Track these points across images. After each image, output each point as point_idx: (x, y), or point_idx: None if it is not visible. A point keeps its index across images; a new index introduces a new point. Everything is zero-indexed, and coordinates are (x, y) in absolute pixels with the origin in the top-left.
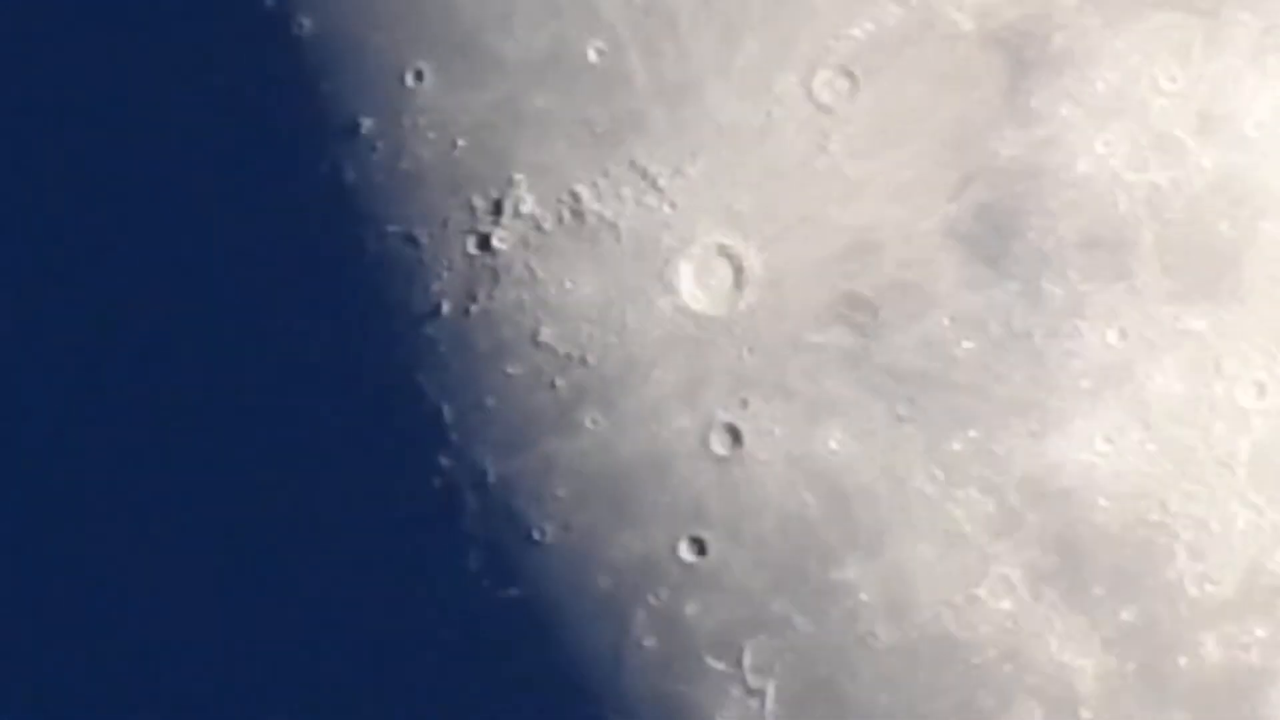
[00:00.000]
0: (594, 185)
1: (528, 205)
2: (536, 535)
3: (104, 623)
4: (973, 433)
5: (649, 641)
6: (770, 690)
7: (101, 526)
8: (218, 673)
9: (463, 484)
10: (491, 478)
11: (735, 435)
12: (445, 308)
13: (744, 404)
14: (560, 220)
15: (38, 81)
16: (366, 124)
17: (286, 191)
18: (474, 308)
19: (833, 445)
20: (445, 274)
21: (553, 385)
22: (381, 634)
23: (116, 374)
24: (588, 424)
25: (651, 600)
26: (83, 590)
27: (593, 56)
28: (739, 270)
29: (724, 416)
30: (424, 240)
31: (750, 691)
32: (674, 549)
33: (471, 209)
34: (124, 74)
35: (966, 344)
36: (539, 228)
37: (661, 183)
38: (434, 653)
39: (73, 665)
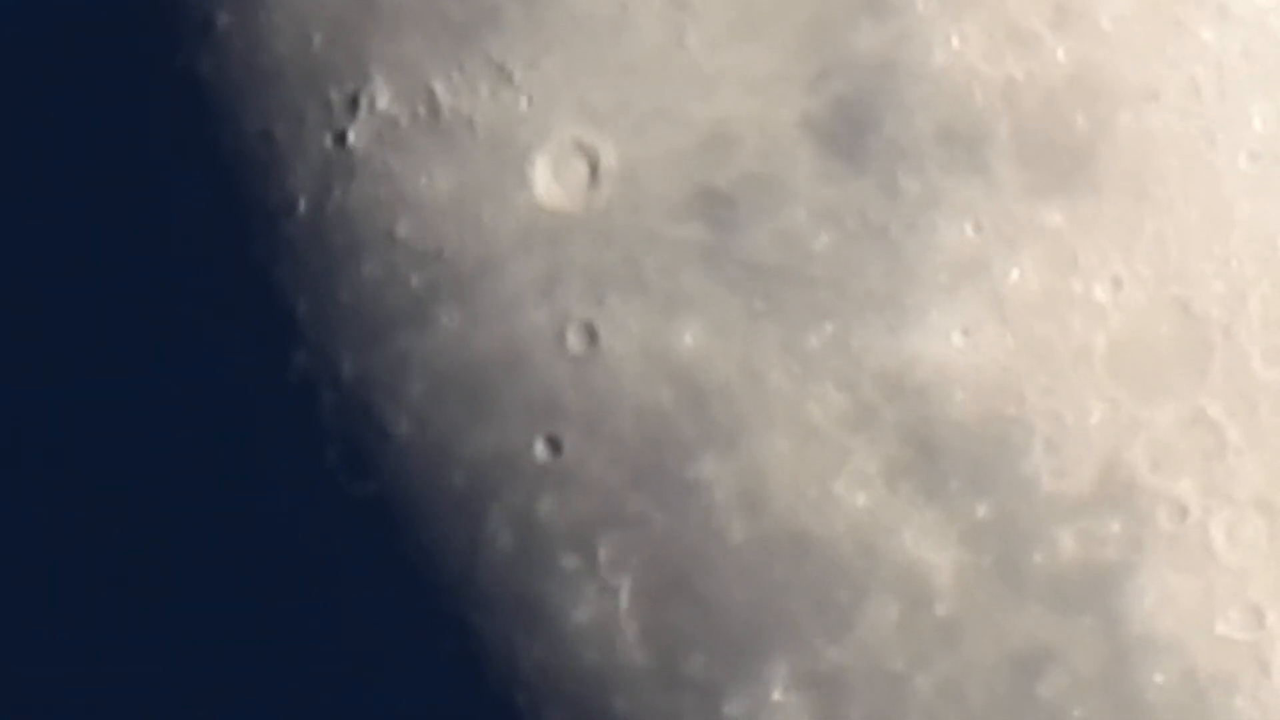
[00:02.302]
0: (449, 80)
1: (384, 101)
2: (392, 431)
3: None
4: (829, 327)
5: (504, 538)
6: (626, 586)
7: None
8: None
9: (318, 381)
10: (347, 374)
11: (591, 332)
12: (301, 205)
13: (600, 300)
14: (416, 116)
15: None
16: (222, 20)
17: (139, 89)
18: (329, 204)
19: (689, 340)
20: (301, 171)
21: (408, 281)
22: (235, 528)
23: None
24: (443, 320)
25: (507, 497)
26: None
27: None
28: (595, 165)
29: (580, 312)
30: (280, 137)
31: (605, 588)
32: (529, 446)
33: (328, 105)
34: None
35: (823, 238)
36: (395, 123)
37: (517, 77)
38: (288, 548)
39: None
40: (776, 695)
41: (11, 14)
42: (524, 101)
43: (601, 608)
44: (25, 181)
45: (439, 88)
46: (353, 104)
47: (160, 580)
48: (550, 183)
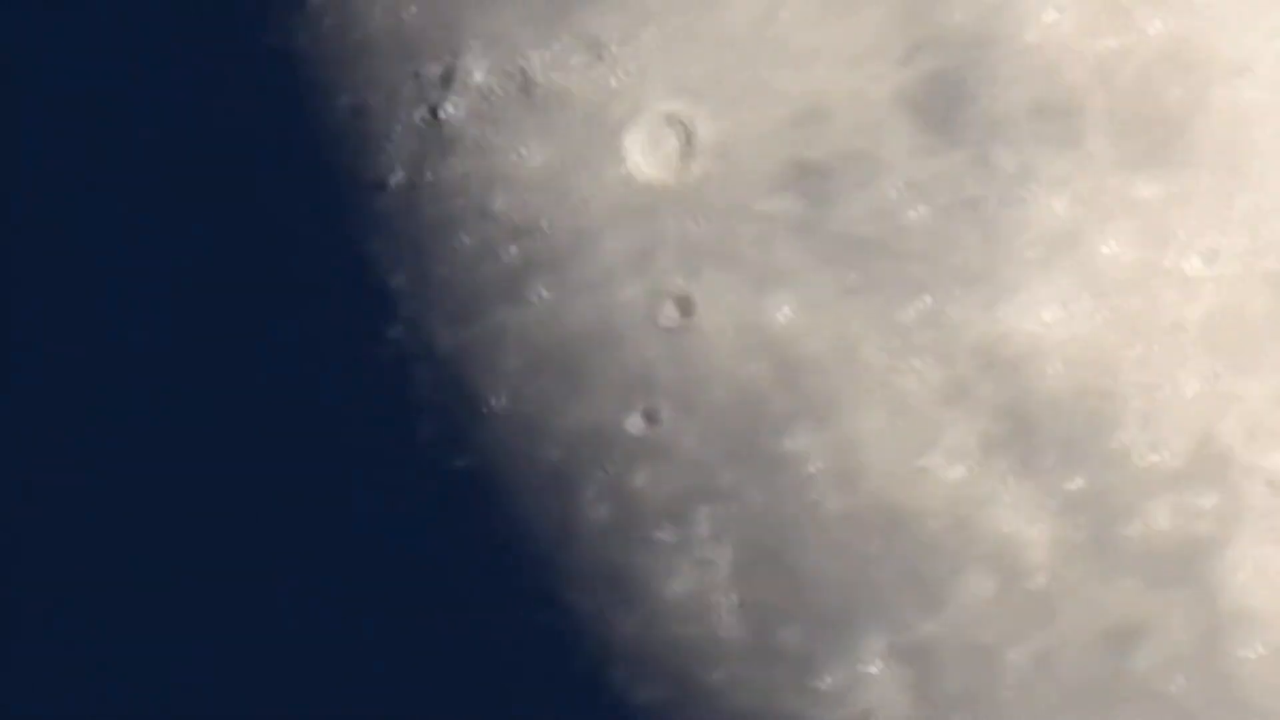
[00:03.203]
0: (543, 54)
1: (477, 75)
2: (487, 406)
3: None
4: (923, 302)
5: (599, 512)
6: (721, 560)
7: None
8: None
9: (413, 355)
10: (442, 349)
11: (685, 305)
12: (395, 179)
13: (694, 274)
14: (510, 90)
15: None
16: None
17: (235, 65)
18: (424, 179)
19: (783, 315)
20: (395, 145)
21: (502, 256)
22: (332, 503)
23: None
24: (538, 295)
25: (601, 471)
26: None
27: None
28: (688, 139)
29: (674, 286)
30: (374, 110)
31: (701, 562)
32: (625, 419)
33: (421, 79)
34: None
35: (917, 212)
36: (488, 98)
37: (611, 51)
38: (385, 523)
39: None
40: (871, 668)
41: None
42: (618, 75)
43: (697, 581)
44: (125, 161)
45: (533, 61)
46: (447, 78)
47: (258, 556)
48: (644, 157)
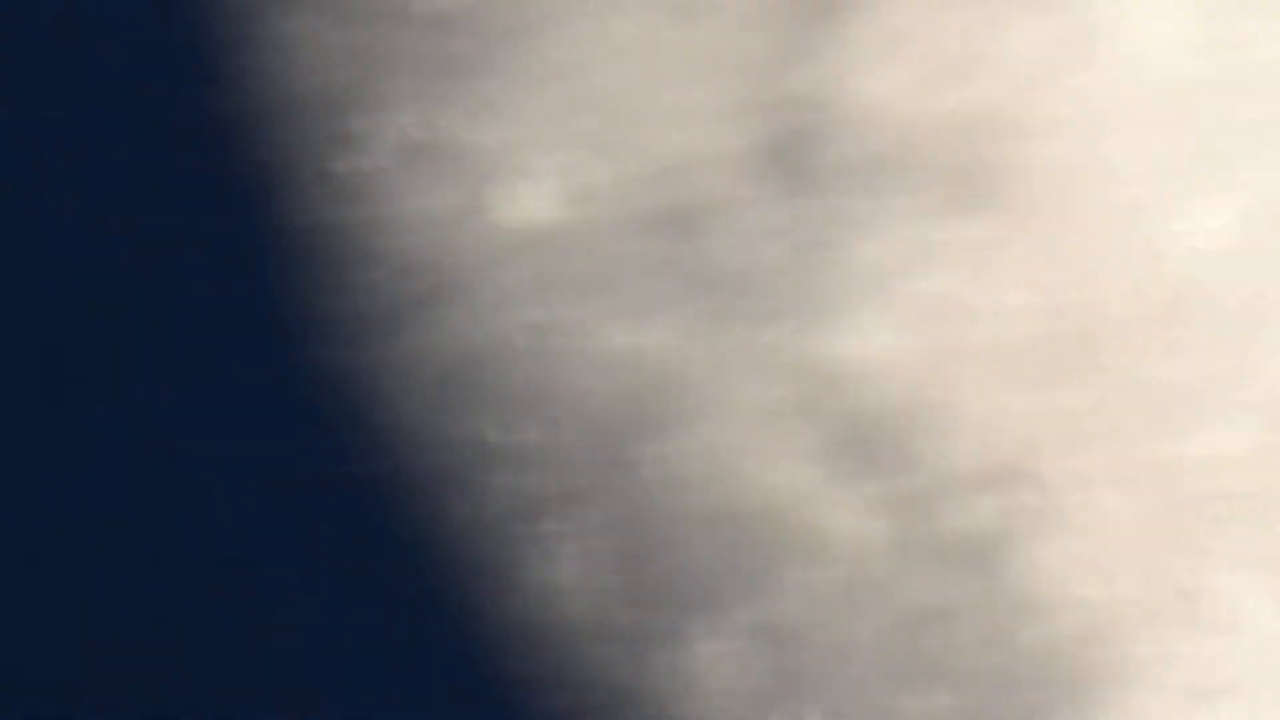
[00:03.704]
0: (443, 114)
1: (386, 133)
2: (390, 420)
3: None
4: (770, 330)
5: (485, 511)
6: (588, 556)
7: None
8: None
9: (315, 377)
10: (349, 369)
11: (570, 330)
12: (314, 222)
13: (578, 303)
14: (413, 145)
15: None
16: (249, 62)
17: (178, 123)
18: (338, 221)
19: (654, 338)
20: (314, 193)
21: (405, 287)
22: (244, 501)
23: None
24: (435, 323)
25: (494, 474)
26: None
27: (445, 4)
28: (569, 186)
29: (561, 314)
30: (295, 164)
31: (571, 557)
32: (513, 429)
33: (337, 137)
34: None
35: (770, 251)
36: (394, 152)
37: (505, 112)
38: (293, 521)
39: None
40: (718, 647)
41: (44, 56)
42: (506, 131)
43: (567, 572)
44: (59, 200)
45: (434, 120)
46: (351, 136)
47: (202, 566)
48: (529, 202)
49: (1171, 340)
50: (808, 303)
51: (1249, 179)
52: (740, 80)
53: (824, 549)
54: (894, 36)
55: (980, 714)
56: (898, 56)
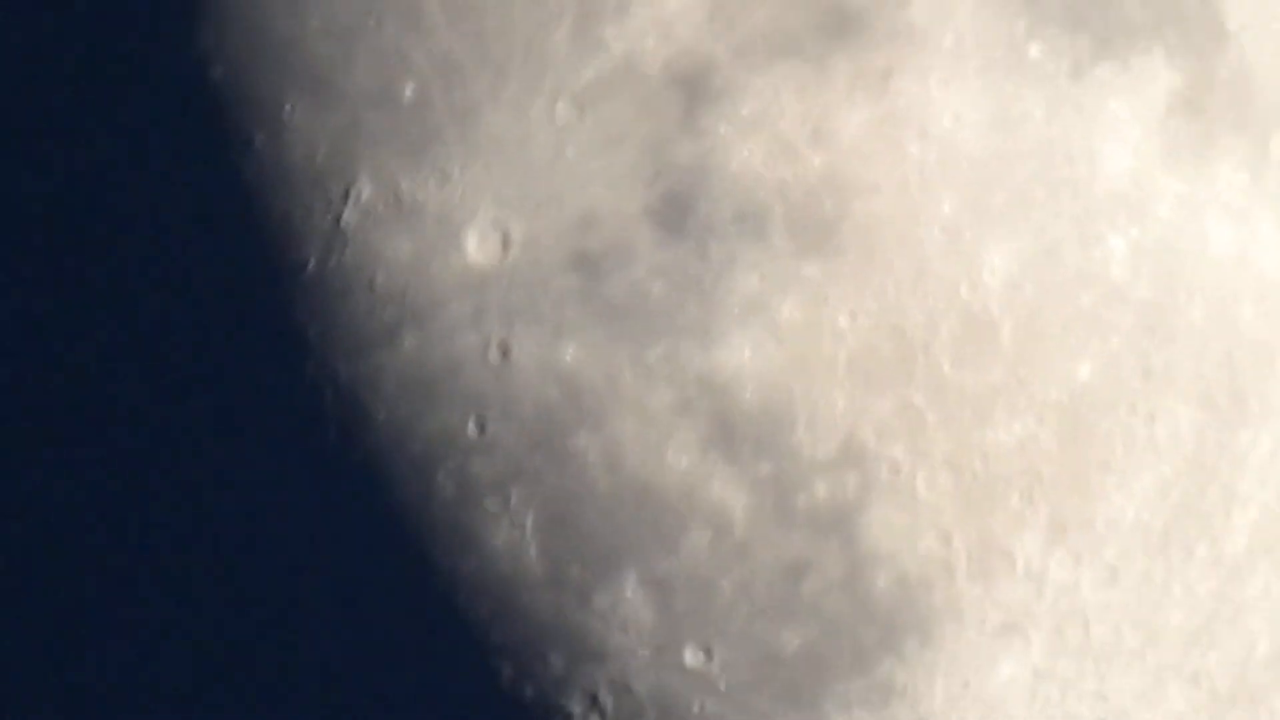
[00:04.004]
0: (409, 179)
1: (366, 194)
2: (372, 418)
3: None
4: (663, 346)
5: (447, 489)
6: (528, 523)
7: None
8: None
9: (321, 382)
10: (341, 378)
11: (505, 348)
12: (312, 264)
13: (511, 327)
14: (387, 204)
15: None
16: (258, 139)
17: (200, 184)
18: (330, 264)
19: (569, 356)
20: (312, 241)
21: (382, 316)
22: (258, 486)
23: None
24: (406, 341)
25: (449, 461)
26: None
27: (408, 93)
28: (506, 236)
29: (498, 335)
30: (297, 218)
31: (514, 524)
32: (464, 425)
33: (329, 197)
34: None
35: (658, 286)
36: (373, 209)
37: (454, 177)
38: (302, 500)
39: None
40: (628, 593)
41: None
42: (459, 193)
43: (511, 537)
44: (88, 260)
45: (403, 184)
46: (345, 196)
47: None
48: (477, 248)
49: (972, 353)
50: (689, 327)
51: (1024, 227)
52: (638, 153)
53: (705, 518)
54: (755, 120)
55: (831, 645)
56: (758, 134)
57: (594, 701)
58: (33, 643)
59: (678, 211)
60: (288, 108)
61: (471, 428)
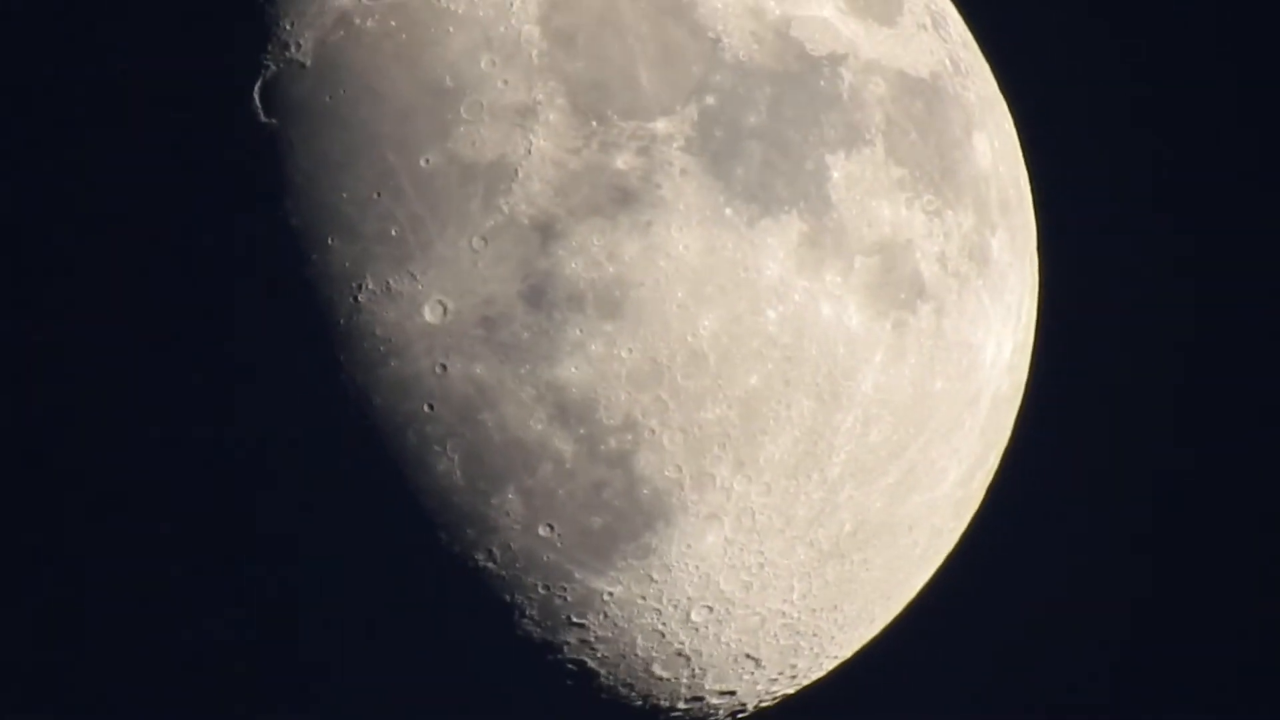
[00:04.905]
0: (395, 279)
1: (370, 285)
2: (374, 404)
3: None
4: (528, 366)
5: (413, 440)
6: (456, 459)
7: None
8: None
9: (347, 385)
10: (358, 382)
11: (444, 367)
12: (342, 322)
13: (447, 355)
14: (382, 291)
15: None
16: (314, 258)
17: (287, 280)
18: (352, 321)
19: (478, 370)
20: (343, 309)
21: (379, 349)
22: (300, 444)
23: None
24: (393, 363)
25: (415, 425)
26: None
27: (394, 233)
28: (445, 308)
29: (440, 360)
30: (335, 297)
31: (449, 458)
32: (423, 407)
33: (352, 287)
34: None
35: (526, 334)
36: (375, 293)
37: (419, 278)
38: (325, 445)
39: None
40: (509, 496)
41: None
42: (420, 287)
43: (448, 465)
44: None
45: (390, 281)
46: (360, 287)
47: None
48: (429, 314)
49: (693, 371)
50: (543, 356)
51: (722, 304)
52: (516, 265)
53: (550, 457)
54: (578, 247)
55: (618, 525)
56: (580, 255)
57: (490, 554)
58: None
59: (537, 295)
60: (330, 240)
61: (426, 408)
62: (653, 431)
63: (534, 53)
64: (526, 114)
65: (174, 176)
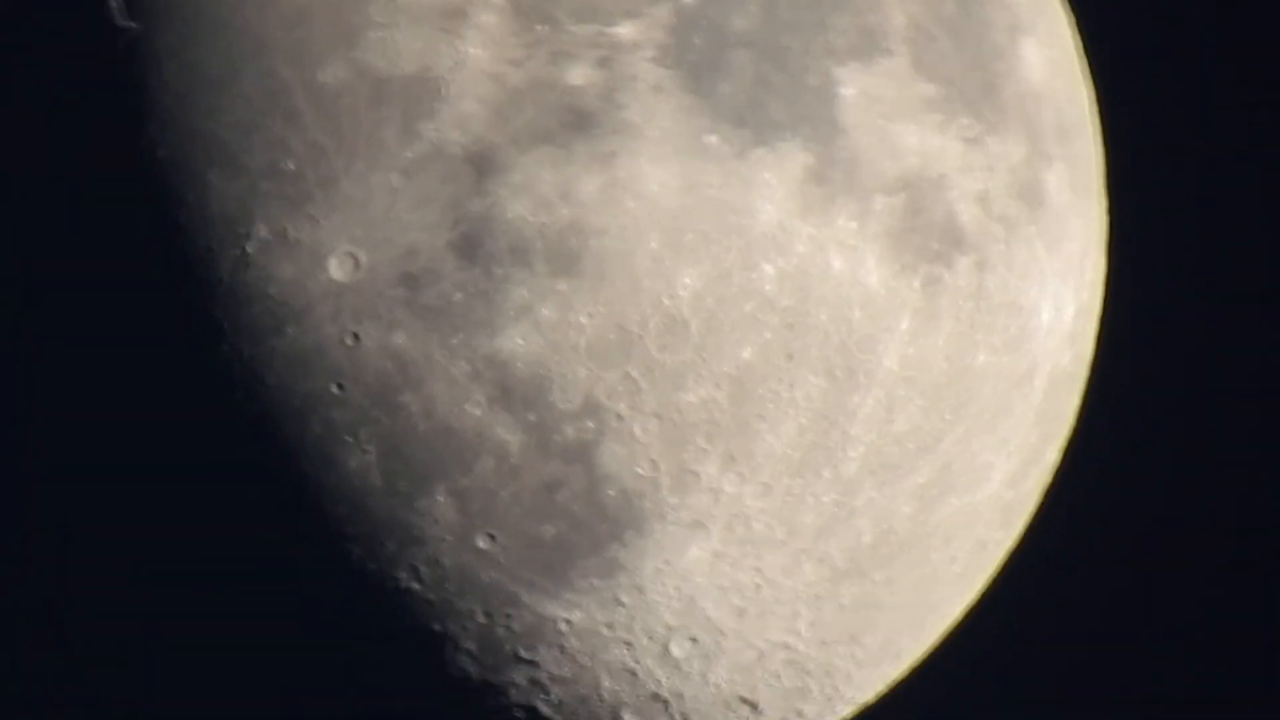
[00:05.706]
0: (292, 224)
1: (262, 233)
2: (267, 383)
3: None
4: (461, 336)
5: (318, 429)
6: (373, 451)
7: None
8: None
9: (233, 359)
10: (246, 356)
11: (356, 336)
12: (226, 277)
13: (360, 321)
14: (277, 239)
15: None
16: (190, 197)
17: (151, 225)
18: (238, 278)
19: (399, 340)
20: (226, 263)
21: (274, 313)
22: (182, 430)
23: None
24: (290, 331)
25: (319, 411)
26: None
27: (290, 167)
28: (356, 261)
29: (351, 327)
30: (216, 248)
31: (364, 452)
32: (329, 387)
33: (238, 234)
34: None
35: (459, 295)
36: (267, 243)
37: (321, 223)
38: (211, 436)
39: None
40: (439, 499)
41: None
42: (324, 234)
43: (362, 460)
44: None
45: (287, 227)
46: (248, 234)
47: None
48: (337, 269)
49: (670, 341)
50: (480, 323)
51: (706, 258)
52: (444, 208)
53: (491, 450)
54: (523, 185)
55: (576, 536)
56: (525, 195)
57: (415, 572)
58: None
59: (471, 246)
60: (210, 176)
61: (334, 388)
62: (620, 418)
63: None
64: (455, 15)
65: (6, 98)
